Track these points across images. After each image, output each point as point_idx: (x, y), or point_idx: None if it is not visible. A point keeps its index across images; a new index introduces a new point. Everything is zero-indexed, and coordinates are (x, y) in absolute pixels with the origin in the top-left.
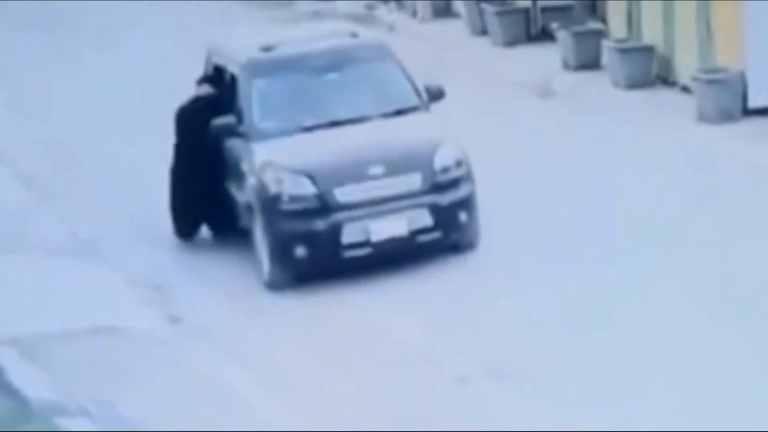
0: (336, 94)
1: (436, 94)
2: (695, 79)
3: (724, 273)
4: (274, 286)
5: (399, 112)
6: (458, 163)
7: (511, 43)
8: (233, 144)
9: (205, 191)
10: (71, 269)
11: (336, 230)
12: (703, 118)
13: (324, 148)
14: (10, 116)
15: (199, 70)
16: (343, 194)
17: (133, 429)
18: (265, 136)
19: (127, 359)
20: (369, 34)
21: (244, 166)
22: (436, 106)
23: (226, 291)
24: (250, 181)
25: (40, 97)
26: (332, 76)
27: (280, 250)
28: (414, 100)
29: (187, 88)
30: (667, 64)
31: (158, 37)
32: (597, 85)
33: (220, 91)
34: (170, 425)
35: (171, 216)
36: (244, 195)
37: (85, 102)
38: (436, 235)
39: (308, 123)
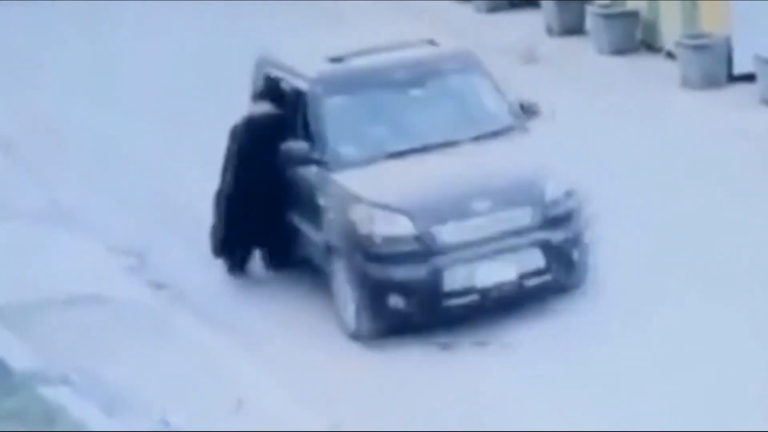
0: (422, 114)
1: (530, 111)
2: (679, 44)
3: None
4: (362, 338)
5: (494, 134)
6: (569, 194)
7: (495, 8)
8: (305, 172)
9: (264, 222)
10: (53, 237)
11: (437, 276)
12: (687, 84)
13: (418, 179)
14: None
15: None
16: (444, 234)
17: (115, 397)
18: (346, 164)
19: (109, 327)
20: (451, 42)
21: (322, 200)
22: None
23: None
24: (331, 217)
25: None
26: (416, 92)
27: (372, 300)
28: (509, 119)
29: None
30: (651, 29)
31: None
32: (581, 51)
33: (281, 109)
34: (153, 393)
35: (219, 247)
36: (320, 232)
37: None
38: (547, 277)
39: (394, 148)
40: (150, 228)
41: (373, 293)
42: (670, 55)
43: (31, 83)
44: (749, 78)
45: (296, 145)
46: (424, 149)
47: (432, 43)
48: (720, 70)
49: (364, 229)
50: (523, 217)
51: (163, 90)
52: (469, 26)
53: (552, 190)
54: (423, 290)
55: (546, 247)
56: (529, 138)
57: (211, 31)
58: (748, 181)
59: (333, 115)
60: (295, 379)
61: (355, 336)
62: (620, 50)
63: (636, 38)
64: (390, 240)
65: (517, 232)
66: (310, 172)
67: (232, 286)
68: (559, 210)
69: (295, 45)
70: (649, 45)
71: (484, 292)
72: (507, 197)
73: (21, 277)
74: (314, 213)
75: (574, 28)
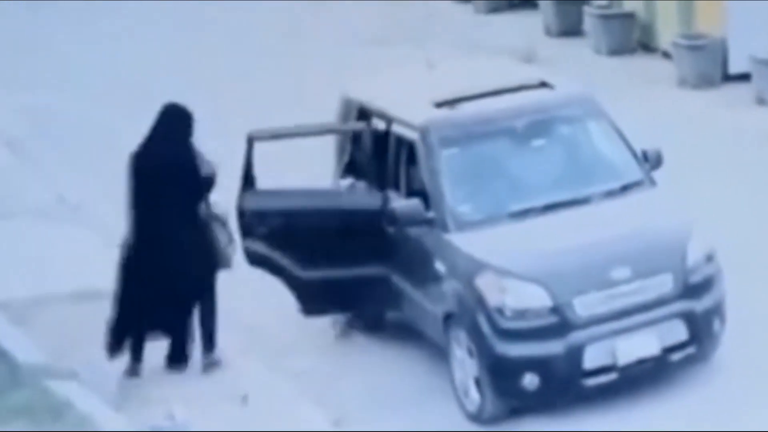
0: (545, 167)
1: (654, 162)
2: (675, 45)
3: None
4: (485, 420)
5: (624, 189)
6: (709, 258)
7: (494, 9)
8: (415, 232)
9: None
10: (59, 233)
11: (577, 353)
12: (683, 83)
13: (550, 244)
14: None
15: None
16: (584, 306)
17: (121, 391)
18: (465, 225)
19: None
20: (565, 82)
21: (438, 264)
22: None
23: None
24: (452, 286)
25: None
26: (537, 142)
27: (502, 380)
28: (637, 172)
29: None
30: (648, 30)
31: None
32: (579, 52)
33: (379, 159)
34: (159, 388)
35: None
36: (436, 301)
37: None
38: (690, 350)
39: (517, 207)
40: None
41: (504, 372)
42: (666, 56)
43: (38, 81)
44: (744, 78)
45: (409, 205)
46: (550, 208)
47: (546, 84)
48: (715, 70)
49: (493, 300)
50: (665, 285)
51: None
52: (469, 27)
53: (693, 254)
54: (561, 369)
55: (688, 318)
56: (660, 193)
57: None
58: (745, 179)
59: (449, 168)
60: (300, 374)
61: (476, 417)
62: (617, 51)
63: (633, 39)
64: (523, 313)
65: (659, 303)
66: (422, 232)
67: (235, 280)
68: (701, 276)
69: (386, 83)
70: (646, 45)
71: (625, 370)
72: (647, 263)
73: (27, 273)
74: (428, 278)
75: (572, 29)
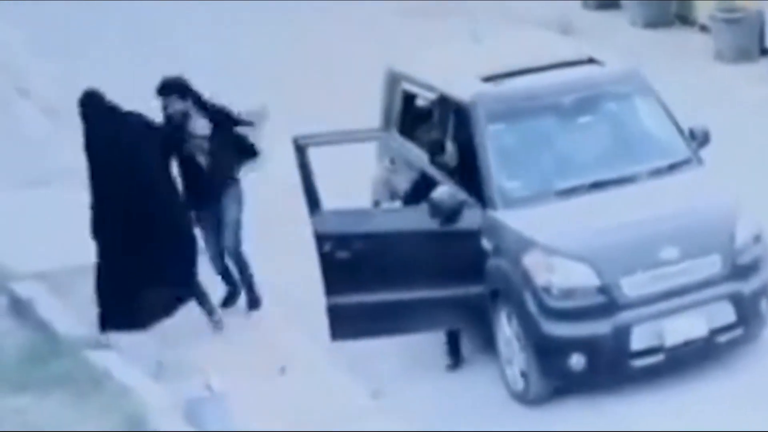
0: (593, 145)
1: (701, 140)
2: (713, 18)
3: None
4: (534, 400)
5: (671, 168)
6: (757, 238)
7: None
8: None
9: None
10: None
11: (625, 334)
12: (720, 57)
13: (598, 223)
14: None
15: None
16: (632, 286)
17: (157, 361)
18: (512, 202)
19: None
20: (614, 59)
21: (485, 242)
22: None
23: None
24: (498, 264)
25: None
26: (585, 119)
27: (548, 360)
28: (685, 150)
29: None
30: (685, 3)
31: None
32: (616, 24)
33: (425, 134)
34: (197, 358)
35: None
36: (482, 280)
37: None
38: (737, 332)
39: (564, 185)
40: None
41: (550, 352)
42: (703, 29)
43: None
44: None
45: (443, 192)
46: (597, 186)
47: (594, 60)
48: (753, 43)
49: (540, 279)
50: (713, 266)
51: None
52: None
53: (742, 235)
54: (608, 350)
55: (736, 299)
56: (708, 172)
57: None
58: None
59: (496, 144)
60: (339, 346)
61: (521, 397)
62: (654, 24)
63: (670, 12)
64: (570, 292)
65: (707, 284)
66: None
67: (272, 254)
68: (749, 257)
69: (433, 58)
70: (684, 18)
71: (672, 351)
72: (695, 244)
73: (65, 243)
74: (471, 259)
75: (609, 2)
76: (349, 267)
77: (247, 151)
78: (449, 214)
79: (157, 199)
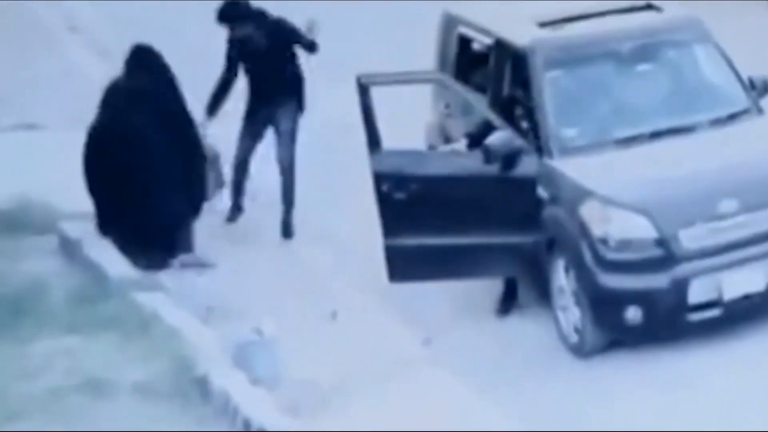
0: (652, 93)
1: (762, 89)
2: None
3: None
4: (589, 353)
5: (731, 118)
6: None
7: None
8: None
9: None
10: None
11: (682, 287)
12: None
13: (656, 173)
14: None
15: None
16: (690, 239)
17: (207, 304)
18: (570, 151)
19: (203, 235)
20: (674, 6)
21: (541, 191)
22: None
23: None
24: (554, 212)
25: None
26: (644, 67)
27: (605, 312)
28: (744, 100)
29: None
30: None
31: None
32: None
33: (478, 80)
34: (247, 302)
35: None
36: (536, 228)
37: None
38: None
39: (623, 134)
40: None
41: (606, 304)
42: None
43: None
44: None
45: (499, 137)
46: (656, 135)
47: (653, 7)
48: None
49: (597, 230)
50: None
51: None
52: None
53: None
54: (666, 302)
55: None
56: None
57: None
58: None
59: (553, 91)
60: (390, 292)
61: (577, 349)
62: None
63: None
64: (627, 243)
65: (766, 236)
66: (521, 157)
67: (324, 198)
68: None
69: (488, 4)
70: None
71: (729, 305)
72: (755, 196)
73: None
74: (526, 208)
75: None
76: (406, 208)
77: (308, 46)
78: (503, 160)
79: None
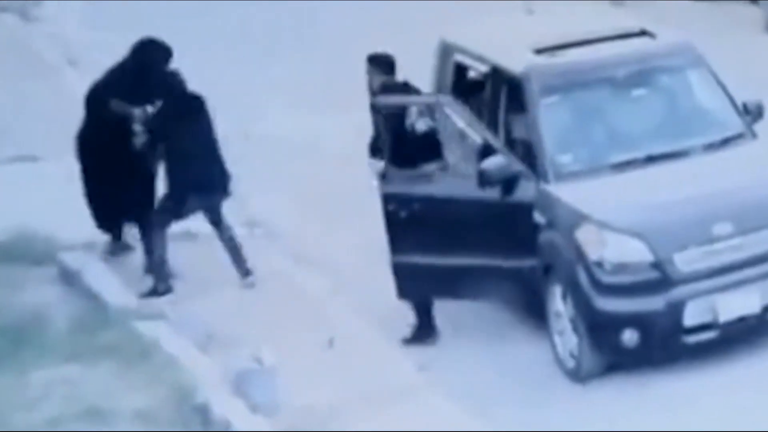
0: (646, 118)
1: (755, 113)
2: None
3: None
4: (586, 377)
5: (725, 142)
6: None
7: None
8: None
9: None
10: None
11: (678, 310)
12: None
13: (651, 197)
14: None
15: None
16: (685, 261)
17: (206, 332)
18: (566, 176)
19: (202, 263)
20: (668, 32)
21: (538, 216)
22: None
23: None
24: (550, 237)
25: None
26: (639, 92)
27: (601, 336)
28: (739, 124)
29: None
30: None
31: None
32: None
33: (475, 105)
34: (245, 330)
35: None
36: (534, 254)
37: None
38: None
39: (618, 158)
40: (245, 167)
41: (603, 327)
42: (753, 0)
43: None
44: None
45: (495, 162)
46: (651, 160)
47: (647, 33)
48: None
49: (593, 254)
50: (767, 241)
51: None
52: None
53: None
54: (662, 325)
55: None
56: (762, 146)
57: None
58: None
59: (549, 117)
60: (386, 318)
61: (574, 374)
62: None
63: None
64: (623, 267)
65: (761, 259)
66: (519, 182)
67: (322, 227)
68: None
69: (486, 30)
70: None
71: (725, 327)
72: (749, 219)
73: None
74: (523, 232)
75: None
76: (410, 227)
77: None
78: (497, 184)
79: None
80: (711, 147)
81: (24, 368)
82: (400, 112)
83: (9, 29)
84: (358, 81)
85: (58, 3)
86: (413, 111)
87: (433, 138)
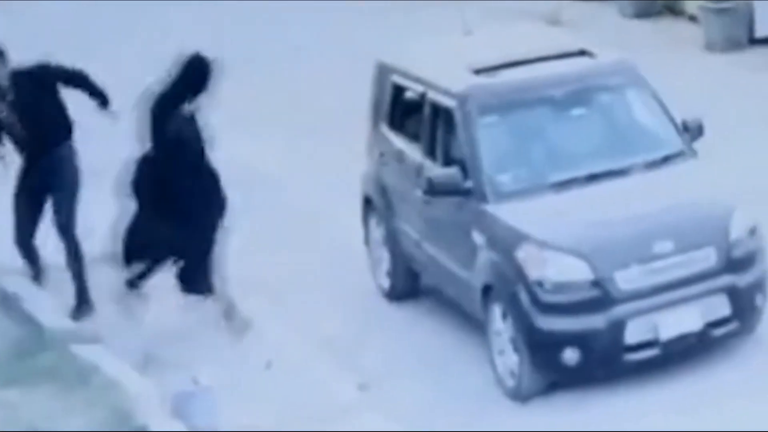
0: (585, 137)
1: (695, 132)
2: (702, 8)
3: None
4: (526, 396)
5: (665, 160)
6: (752, 231)
7: None
8: (449, 202)
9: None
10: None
11: (619, 328)
12: (710, 47)
13: (591, 216)
14: None
15: None
16: (626, 280)
17: (144, 355)
18: (505, 195)
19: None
20: (607, 51)
21: (476, 236)
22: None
23: None
24: (489, 257)
25: None
26: (578, 111)
27: (544, 354)
28: (678, 143)
29: None
30: None
31: None
32: (605, 15)
33: (414, 127)
34: (184, 352)
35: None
36: (474, 273)
37: None
38: (732, 326)
39: (557, 177)
40: None
41: (543, 346)
42: (692, 19)
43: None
44: None
45: (446, 174)
46: (591, 179)
47: (586, 52)
48: (742, 32)
49: (533, 273)
50: (708, 259)
51: None
52: None
53: (736, 228)
54: (603, 344)
55: (731, 293)
56: (701, 164)
57: None
58: None
59: (487, 137)
60: (326, 339)
61: (514, 393)
62: (644, 14)
63: (659, 2)
64: (564, 286)
65: (702, 277)
66: (456, 203)
67: (258, 247)
68: (744, 250)
69: (424, 51)
70: (672, 9)
71: (666, 345)
72: (690, 237)
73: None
74: (463, 249)
75: None
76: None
77: None
78: (441, 194)
79: None
80: (651, 165)
81: None
82: None
83: None
84: None
85: None
86: None
87: None
